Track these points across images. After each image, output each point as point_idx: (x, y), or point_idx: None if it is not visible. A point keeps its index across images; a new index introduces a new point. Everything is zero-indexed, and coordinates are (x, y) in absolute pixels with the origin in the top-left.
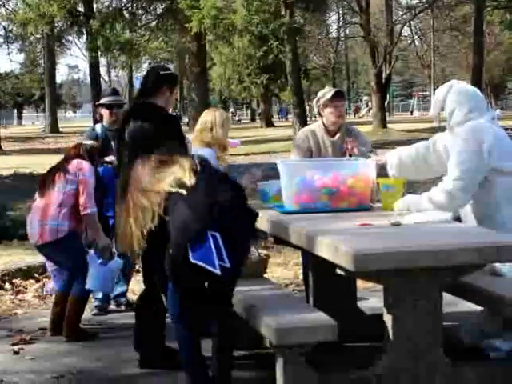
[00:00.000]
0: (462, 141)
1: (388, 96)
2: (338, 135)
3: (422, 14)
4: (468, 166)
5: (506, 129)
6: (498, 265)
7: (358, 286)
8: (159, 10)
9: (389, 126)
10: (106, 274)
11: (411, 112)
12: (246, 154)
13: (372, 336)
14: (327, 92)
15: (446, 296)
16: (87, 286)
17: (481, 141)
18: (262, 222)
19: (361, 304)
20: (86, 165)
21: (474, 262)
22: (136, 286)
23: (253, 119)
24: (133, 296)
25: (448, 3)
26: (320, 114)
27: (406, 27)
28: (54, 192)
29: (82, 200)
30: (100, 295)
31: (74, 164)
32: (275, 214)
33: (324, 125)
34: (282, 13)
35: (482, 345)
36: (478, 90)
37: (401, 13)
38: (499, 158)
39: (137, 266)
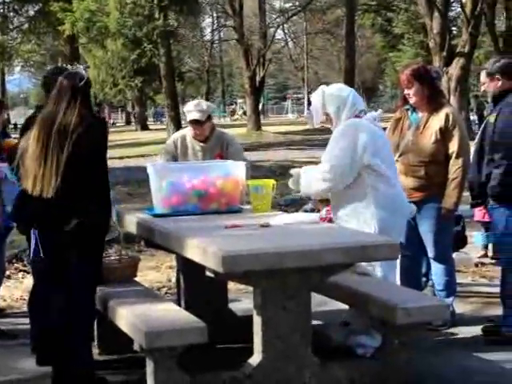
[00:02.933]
0: (339, 135)
1: (262, 98)
2: (209, 141)
3: (295, 18)
4: (339, 160)
5: (384, 128)
6: (364, 264)
7: (230, 287)
8: (31, 13)
9: (263, 128)
10: None
11: (286, 114)
12: (120, 158)
13: (244, 337)
14: (190, 111)
15: (315, 296)
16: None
17: (356, 137)
18: (132, 225)
19: (233, 305)
20: None
21: (341, 262)
22: (6, 292)
23: (128, 122)
24: (2, 303)
25: (320, 7)
26: None
27: (279, 30)
28: None
29: None
30: None
31: None
32: (145, 216)
33: None
34: (156, 16)
35: (350, 342)
36: None
37: (274, 16)
38: (373, 155)
39: (7, 272)
